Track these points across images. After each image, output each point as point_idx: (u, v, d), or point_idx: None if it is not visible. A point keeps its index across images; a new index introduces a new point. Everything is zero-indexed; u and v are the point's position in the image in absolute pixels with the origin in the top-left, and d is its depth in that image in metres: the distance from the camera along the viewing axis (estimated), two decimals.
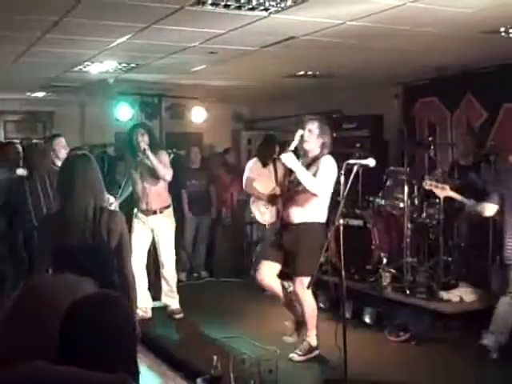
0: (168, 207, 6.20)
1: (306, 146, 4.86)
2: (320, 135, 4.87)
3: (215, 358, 2.40)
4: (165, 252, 6.19)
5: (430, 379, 4.55)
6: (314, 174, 4.71)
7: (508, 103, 6.72)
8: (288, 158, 4.67)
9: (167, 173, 6.01)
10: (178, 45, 5.48)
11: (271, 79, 7.56)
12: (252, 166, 7.07)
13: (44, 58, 6.04)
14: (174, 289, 6.30)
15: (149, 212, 6.09)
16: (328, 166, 4.73)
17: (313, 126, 4.86)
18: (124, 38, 5.18)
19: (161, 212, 6.12)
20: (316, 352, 4.80)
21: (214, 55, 5.97)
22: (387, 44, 5.45)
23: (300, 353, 4.83)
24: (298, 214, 4.84)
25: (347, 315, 5.15)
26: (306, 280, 4.47)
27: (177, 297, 6.32)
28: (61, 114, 9.62)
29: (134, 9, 4.21)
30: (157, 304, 6.31)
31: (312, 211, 4.81)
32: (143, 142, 5.93)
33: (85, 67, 6.59)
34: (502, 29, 4.93)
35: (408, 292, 5.81)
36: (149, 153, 5.88)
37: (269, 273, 5.03)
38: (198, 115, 8.53)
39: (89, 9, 4.17)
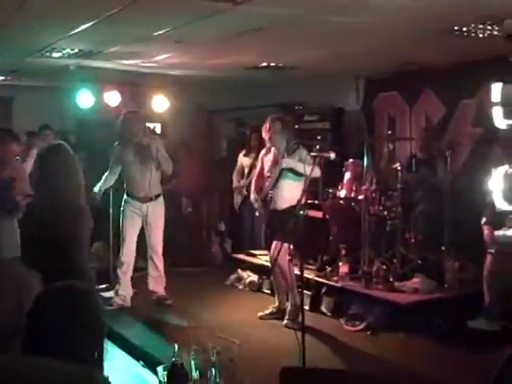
0: (161, 194, 6.33)
1: (273, 144, 5.57)
2: (282, 133, 5.50)
3: (176, 346, 2.43)
4: (157, 237, 6.26)
5: (384, 368, 4.66)
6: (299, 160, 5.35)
7: (465, 99, 6.87)
8: (288, 162, 5.44)
9: (170, 165, 6.21)
10: (143, 33, 5.45)
11: (234, 70, 7.58)
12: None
13: (3, 42, 5.94)
14: (163, 274, 6.34)
15: (146, 199, 6.15)
16: (304, 154, 5.43)
17: (274, 126, 5.52)
18: (88, 25, 5.12)
19: (156, 198, 6.23)
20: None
21: (178, 44, 5.95)
22: (348, 37, 5.52)
23: (290, 320, 5.48)
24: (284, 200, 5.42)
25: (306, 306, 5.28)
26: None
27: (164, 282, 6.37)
28: (20, 99, 9.45)
29: None
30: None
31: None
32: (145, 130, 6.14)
33: (45, 53, 6.50)
34: (456, 27, 5.06)
35: (365, 282, 5.92)
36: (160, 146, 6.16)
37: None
38: (159, 104, 8.49)
39: None
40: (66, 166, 3.33)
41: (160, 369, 2.47)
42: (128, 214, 6.18)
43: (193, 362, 2.50)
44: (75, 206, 3.34)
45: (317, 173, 5.31)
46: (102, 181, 6.24)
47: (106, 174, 6.27)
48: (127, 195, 6.23)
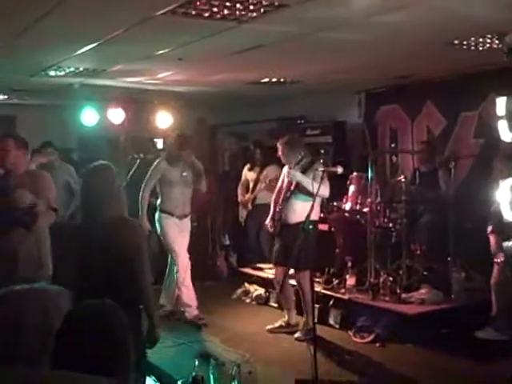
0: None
1: (288, 163, 5.78)
2: (289, 153, 5.70)
3: (196, 360, 2.46)
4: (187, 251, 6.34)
5: (394, 379, 4.69)
6: (314, 176, 5.40)
7: (465, 112, 6.94)
8: (295, 174, 5.55)
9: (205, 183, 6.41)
10: (147, 52, 5.52)
11: (236, 85, 7.65)
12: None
13: (8, 63, 6.01)
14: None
15: (182, 216, 6.24)
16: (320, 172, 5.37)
17: (281, 151, 5.75)
18: (93, 45, 5.19)
19: (189, 215, 6.38)
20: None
21: (180, 62, 6.02)
22: (348, 53, 5.60)
23: (303, 333, 5.56)
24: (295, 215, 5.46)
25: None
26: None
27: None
28: (23, 118, 9.50)
29: (105, 16, 4.25)
30: None
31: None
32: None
33: (50, 72, 6.56)
34: (456, 41, 5.14)
35: (372, 294, 5.95)
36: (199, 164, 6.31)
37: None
38: (163, 120, 8.55)
39: (60, 16, 4.19)
40: (112, 184, 3.40)
41: (179, 383, 2.51)
42: (173, 229, 6.20)
43: (212, 376, 2.54)
44: (127, 221, 3.40)
45: (325, 192, 5.39)
46: (142, 200, 6.15)
47: (144, 192, 6.17)
48: (163, 211, 6.21)
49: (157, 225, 6.29)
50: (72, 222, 6.59)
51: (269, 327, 5.90)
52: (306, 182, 5.44)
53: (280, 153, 5.82)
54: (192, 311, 6.20)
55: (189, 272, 6.26)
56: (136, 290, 3.17)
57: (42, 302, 1.97)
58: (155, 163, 6.31)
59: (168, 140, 7.65)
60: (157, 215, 6.28)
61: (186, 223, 6.35)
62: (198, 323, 6.11)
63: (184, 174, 6.23)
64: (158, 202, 6.31)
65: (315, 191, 4.88)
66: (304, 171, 5.59)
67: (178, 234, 6.23)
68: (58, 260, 3.78)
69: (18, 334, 1.87)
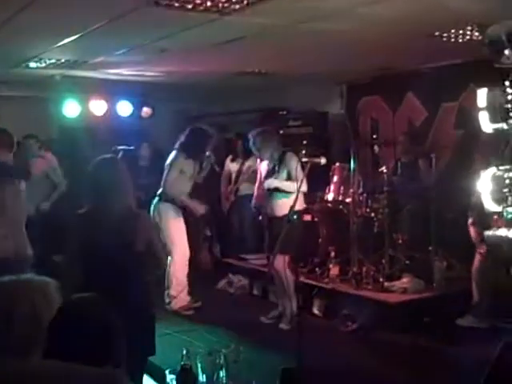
0: None
1: (262, 156, 5.82)
2: (263, 146, 5.69)
3: (185, 350, 2.49)
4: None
5: (378, 367, 4.76)
6: (288, 172, 5.55)
7: (446, 103, 7.02)
8: (271, 183, 5.64)
9: None
10: (130, 43, 5.50)
11: (218, 76, 7.65)
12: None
13: None
14: None
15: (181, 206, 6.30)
16: (294, 162, 5.52)
17: (253, 143, 5.74)
18: (75, 37, 5.17)
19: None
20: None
21: (162, 53, 6.01)
22: (330, 44, 5.62)
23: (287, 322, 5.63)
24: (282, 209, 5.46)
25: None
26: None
27: None
28: (4, 110, 9.39)
29: (87, 7, 4.23)
30: None
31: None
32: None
33: (30, 64, 6.51)
34: (437, 33, 5.19)
35: (355, 284, 6.02)
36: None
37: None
38: (144, 112, 8.53)
39: (41, 7, 4.16)
40: (120, 175, 3.46)
41: (167, 372, 2.53)
42: (173, 215, 6.20)
43: (199, 365, 2.57)
44: (134, 211, 3.45)
45: (304, 188, 5.35)
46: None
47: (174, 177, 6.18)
48: (167, 201, 6.20)
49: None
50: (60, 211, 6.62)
51: (261, 318, 5.95)
52: (285, 186, 5.55)
53: (251, 145, 5.80)
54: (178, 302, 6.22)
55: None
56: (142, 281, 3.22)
57: (30, 292, 1.99)
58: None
59: None
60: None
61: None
62: (183, 313, 6.14)
63: (197, 168, 6.39)
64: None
65: (294, 188, 4.96)
66: (277, 166, 5.65)
67: (179, 220, 6.28)
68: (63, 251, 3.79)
69: (7, 324, 1.89)
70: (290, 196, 5.36)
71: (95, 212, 3.36)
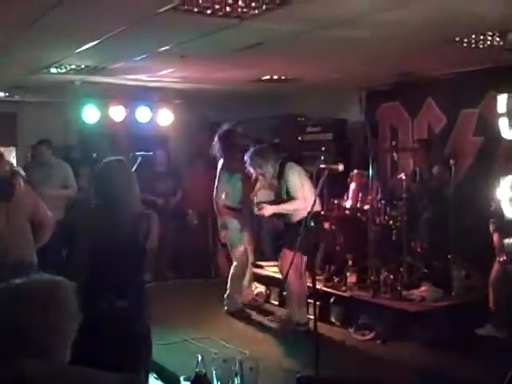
0: None
1: (261, 175, 5.82)
2: (264, 163, 5.69)
3: (200, 356, 2.47)
4: None
5: (395, 376, 4.70)
6: (287, 189, 5.57)
7: (466, 109, 6.94)
8: (268, 210, 5.68)
9: None
10: (149, 49, 5.52)
11: (237, 83, 7.65)
12: None
13: (9, 60, 6.01)
14: None
15: None
16: (293, 177, 5.55)
17: (253, 162, 5.72)
18: (94, 42, 5.19)
19: None
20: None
21: (182, 59, 6.02)
22: (349, 50, 5.60)
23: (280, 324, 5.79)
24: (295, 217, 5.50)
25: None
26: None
27: None
28: (24, 115, 9.49)
29: (108, 13, 4.25)
30: None
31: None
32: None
33: (51, 70, 6.56)
34: (457, 38, 5.14)
35: (373, 292, 5.96)
36: None
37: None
38: (164, 118, 8.56)
39: (62, 13, 4.19)
40: (126, 177, 3.53)
41: (182, 379, 2.52)
42: None
43: (214, 372, 2.55)
44: (141, 212, 3.50)
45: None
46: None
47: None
48: None
49: None
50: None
51: (273, 325, 5.97)
52: (282, 209, 5.64)
53: (248, 165, 5.77)
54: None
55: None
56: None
57: (40, 294, 1.97)
58: None
59: None
60: None
61: None
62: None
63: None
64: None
65: (294, 207, 5.19)
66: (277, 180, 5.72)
67: None
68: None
69: (19, 328, 1.87)
70: (294, 212, 5.47)
71: (102, 211, 3.41)
